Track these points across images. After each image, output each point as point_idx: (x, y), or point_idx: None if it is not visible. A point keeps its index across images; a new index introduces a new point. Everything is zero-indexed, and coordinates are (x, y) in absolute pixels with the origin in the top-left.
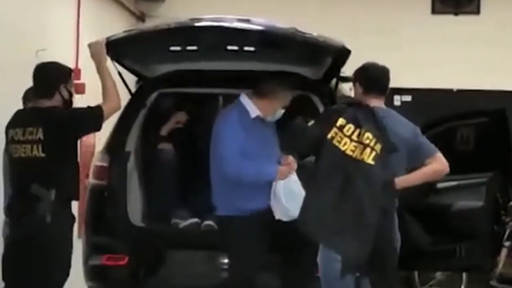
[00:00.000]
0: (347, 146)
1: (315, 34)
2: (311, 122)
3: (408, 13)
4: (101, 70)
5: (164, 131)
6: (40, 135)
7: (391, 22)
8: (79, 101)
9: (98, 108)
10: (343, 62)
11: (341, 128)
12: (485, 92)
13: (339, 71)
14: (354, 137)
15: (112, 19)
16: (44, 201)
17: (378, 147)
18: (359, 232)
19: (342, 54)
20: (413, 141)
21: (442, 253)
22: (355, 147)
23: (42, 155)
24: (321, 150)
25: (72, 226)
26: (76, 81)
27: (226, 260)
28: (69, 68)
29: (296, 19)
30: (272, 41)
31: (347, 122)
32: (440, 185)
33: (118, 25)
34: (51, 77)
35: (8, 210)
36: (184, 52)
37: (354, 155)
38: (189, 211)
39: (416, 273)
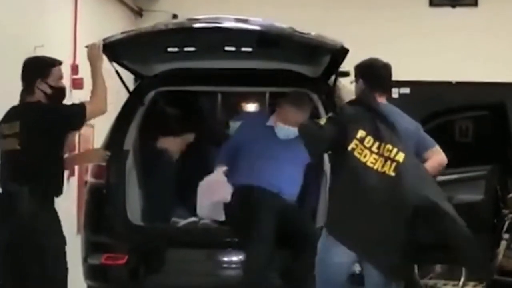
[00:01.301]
0: (367, 158)
1: (313, 33)
2: (322, 120)
3: (406, 6)
4: (94, 72)
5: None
6: (17, 128)
7: (389, 14)
8: (79, 96)
9: (81, 106)
10: (341, 61)
11: (361, 140)
12: (484, 84)
13: (337, 68)
14: (374, 149)
15: (110, 14)
16: (19, 199)
17: (400, 156)
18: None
19: (341, 53)
20: (417, 135)
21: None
22: (375, 159)
23: (18, 148)
24: (342, 161)
25: (53, 222)
26: (74, 76)
27: (225, 258)
28: (48, 62)
29: (294, 10)
30: (269, 42)
31: (367, 135)
32: (440, 178)
33: (116, 20)
34: (26, 73)
35: None
36: (182, 52)
37: (375, 167)
38: (189, 210)
39: (415, 265)
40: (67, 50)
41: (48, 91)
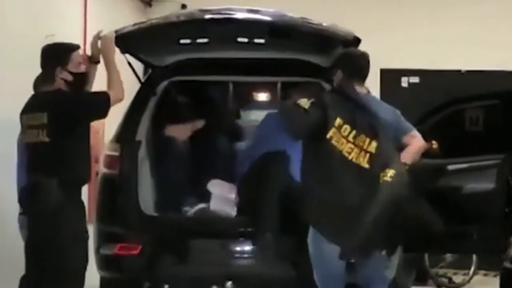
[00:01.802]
0: (343, 147)
1: (325, 24)
2: (306, 104)
3: None
4: (108, 63)
5: (180, 134)
6: (45, 119)
7: (399, 2)
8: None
9: (104, 94)
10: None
11: (339, 128)
12: (493, 72)
13: None
14: (350, 138)
15: (120, 4)
16: (46, 189)
17: (373, 146)
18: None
19: (352, 43)
20: (395, 123)
21: (454, 235)
22: (351, 149)
23: (46, 139)
24: (319, 149)
25: (79, 213)
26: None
27: (238, 248)
28: (66, 48)
29: (301, 6)
30: (282, 33)
31: (344, 123)
32: (451, 167)
33: (125, 10)
34: (45, 62)
35: (19, 200)
36: (194, 44)
37: (350, 157)
38: (201, 199)
39: (426, 255)
40: (78, 39)
41: (69, 78)
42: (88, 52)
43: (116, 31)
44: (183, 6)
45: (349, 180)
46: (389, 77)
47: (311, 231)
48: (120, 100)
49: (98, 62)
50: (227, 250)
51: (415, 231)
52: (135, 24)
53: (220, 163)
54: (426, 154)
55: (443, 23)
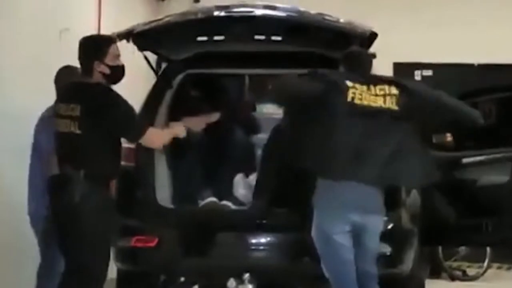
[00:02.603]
0: (368, 100)
1: (342, 20)
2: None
3: None
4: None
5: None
6: (78, 112)
7: None
8: None
9: (144, 124)
10: (371, 45)
11: (354, 87)
12: (507, 66)
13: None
14: (368, 91)
15: None
16: (73, 180)
17: (393, 91)
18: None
19: (370, 38)
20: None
21: (468, 228)
22: (375, 99)
23: (78, 132)
24: (343, 114)
25: (105, 207)
26: None
27: (254, 240)
28: (104, 41)
29: None
30: (299, 30)
31: (354, 82)
32: (465, 160)
33: (138, 4)
34: (83, 55)
35: (47, 188)
36: (211, 41)
37: (378, 105)
38: (216, 192)
39: (440, 248)
40: (92, 33)
41: (107, 71)
42: None
43: (133, 29)
44: (196, 1)
45: (384, 127)
46: (403, 70)
47: (315, 227)
48: (150, 145)
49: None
50: (244, 242)
51: (430, 224)
52: (151, 22)
53: (236, 155)
54: (440, 147)
55: (456, 16)
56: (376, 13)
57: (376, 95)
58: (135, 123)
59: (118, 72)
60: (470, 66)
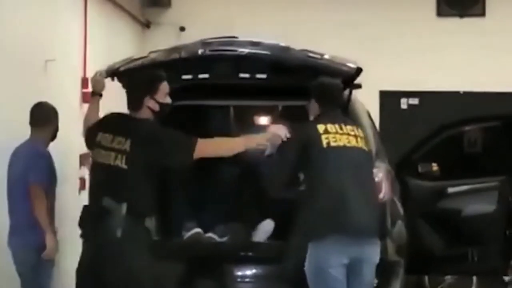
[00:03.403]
0: (343, 140)
1: (327, 56)
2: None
3: (413, 16)
4: None
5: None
6: (127, 146)
7: (397, 25)
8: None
9: (192, 140)
10: (355, 79)
11: (326, 131)
12: (492, 94)
13: (351, 84)
14: (340, 131)
15: (119, 27)
16: (115, 214)
17: (361, 133)
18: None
19: (355, 74)
20: None
21: (454, 257)
22: (348, 139)
23: (124, 167)
24: (322, 160)
25: (146, 243)
26: (84, 90)
27: (240, 273)
28: (157, 77)
29: (301, 24)
30: (284, 68)
31: (325, 123)
32: (451, 190)
33: (124, 33)
34: (134, 90)
35: (80, 221)
36: (196, 79)
37: (352, 145)
38: (199, 224)
39: (426, 277)
40: (78, 63)
41: (156, 108)
42: (88, 76)
43: (117, 67)
44: (182, 29)
45: (359, 163)
46: (389, 98)
47: (310, 259)
48: (216, 155)
49: (101, 95)
50: (229, 275)
51: (416, 253)
52: (136, 59)
53: (221, 187)
54: (426, 176)
55: (442, 44)
56: (359, 40)
57: (348, 134)
58: (182, 144)
59: (166, 110)
60: (455, 94)
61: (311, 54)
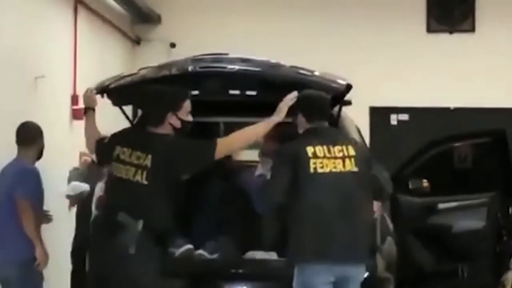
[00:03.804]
0: (329, 165)
1: (317, 73)
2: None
3: (403, 32)
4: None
5: None
6: (148, 162)
7: (387, 41)
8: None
9: (212, 142)
10: (345, 95)
11: (314, 155)
12: (481, 110)
13: (341, 100)
14: (328, 154)
15: (109, 43)
16: (129, 230)
17: (351, 150)
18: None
19: (345, 90)
20: None
21: (444, 273)
22: (334, 163)
23: (145, 182)
24: (308, 185)
25: (158, 260)
26: (74, 107)
27: None
28: (181, 95)
29: (294, 38)
30: (274, 85)
31: (314, 145)
32: (441, 206)
33: (114, 49)
34: (157, 105)
35: (93, 233)
36: None
37: (338, 170)
38: (189, 240)
39: None
40: (68, 80)
41: (178, 125)
42: (78, 92)
43: (107, 84)
44: (172, 45)
45: (349, 187)
46: (379, 114)
47: (299, 274)
48: (235, 150)
49: (94, 110)
50: None
51: (406, 270)
52: (125, 76)
53: (212, 204)
54: (417, 192)
55: (432, 60)
56: (350, 55)
57: (336, 157)
58: (203, 147)
59: (187, 127)
60: (445, 110)
61: (301, 71)
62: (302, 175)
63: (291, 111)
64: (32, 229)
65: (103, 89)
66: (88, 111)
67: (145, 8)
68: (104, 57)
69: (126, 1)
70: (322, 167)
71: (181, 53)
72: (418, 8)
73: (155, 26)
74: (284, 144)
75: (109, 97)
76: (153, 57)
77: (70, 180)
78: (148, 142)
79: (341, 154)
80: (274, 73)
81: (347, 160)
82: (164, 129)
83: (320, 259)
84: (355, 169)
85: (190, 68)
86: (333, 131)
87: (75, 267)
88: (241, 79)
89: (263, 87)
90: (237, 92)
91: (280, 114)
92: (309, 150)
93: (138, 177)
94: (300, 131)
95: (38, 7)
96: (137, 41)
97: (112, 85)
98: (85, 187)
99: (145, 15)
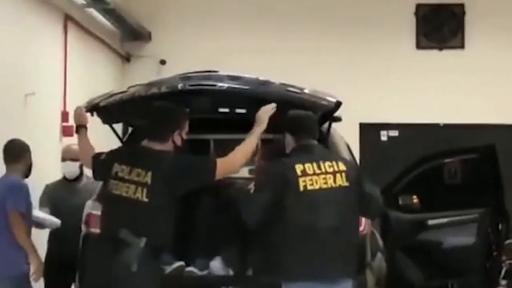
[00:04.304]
0: (319, 182)
1: (306, 90)
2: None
3: (393, 49)
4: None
5: None
6: (148, 179)
7: (377, 58)
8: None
9: (212, 161)
10: (335, 112)
11: (304, 173)
12: (471, 126)
13: (331, 117)
14: (318, 171)
15: (99, 60)
16: (131, 248)
17: (342, 167)
18: None
19: (335, 107)
20: None
21: None
22: (325, 178)
23: (145, 200)
24: (297, 203)
25: (158, 277)
26: (64, 124)
27: None
28: (187, 115)
29: (284, 55)
30: (263, 103)
31: (303, 162)
32: (431, 222)
33: (104, 66)
34: (169, 123)
35: (94, 256)
36: None
37: (329, 186)
38: (180, 257)
39: None
40: (58, 97)
41: (179, 143)
42: (68, 109)
43: (97, 103)
44: (162, 62)
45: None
46: (369, 131)
47: None
48: (234, 171)
49: (86, 127)
50: None
51: (396, 286)
52: (115, 94)
53: (202, 221)
54: (407, 208)
55: (421, 77)
56: (339, 72)
57: (326, 172)
58: (205, 165)
59: (185, 147)
60: (435, 126)
61: (290, 89)
62: (291, 195)
63: (278, 130)
64: (25, 239)
65: (93, 107)
66: (80, 129)
67: (135, 25)
68: (94, 74)
69: (116, 18)
70: (312, 184)
71: (171, 70)
72: (407, 25)
73: (145, 43)
74: (273, 163)
75: (99, 115)
76: (143, 74)
77: (41, 203)
78: (149, 159)
79: (331, 170)
80: (263, 91)
81: (337, 175)
82: (166, 146)
83: (308, 277)
84: (346, 183)
85: (179, 86)
86: (322, 148)
87: None
88: (231, 97)
89: (253, 105)
90: (226, 110)
91: (261, 125)
92: (298, 168)
93: (138, 195)
94: (288, 150)
95: (27, 24)
96: (127, 58)
97: (102, 103)
98: (55, 223)
99: (135, 32)
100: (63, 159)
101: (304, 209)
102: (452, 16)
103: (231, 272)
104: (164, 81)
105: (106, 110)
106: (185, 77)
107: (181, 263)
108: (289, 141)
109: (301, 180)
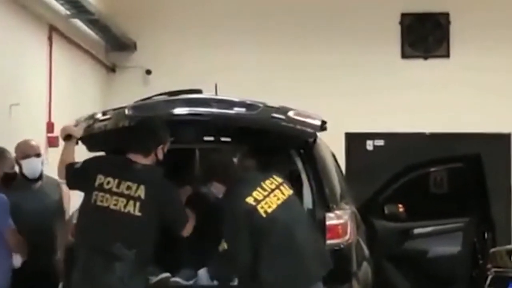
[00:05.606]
0: (273, 202)
1: (291, 113)
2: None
3: (378, 58)
4: None
5: None
6: (141, 193)
7: (362, 67)
8: (53, 155)
9: (187, 216)
10: (321, 130)
11: (256, 201)
12: (457, 135)
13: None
14: (266, 191)
15: (84, 71)
16: (124, 261)
17: (278, 178)
18: None
19: (320, 128)
20: None
21: None
22: (276, 196)
23: (138, 214)
24: (265, 229)
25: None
26: (49, 134)
27: None
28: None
29: (269, 68)
30: (249, 131)
31: (250, 193)
32: (417, 231)
33: (90, 76)
34: (155, 137)
35: (83, 269)
36: None
37: (281, 201)
38: (167, 268)
39: None
40: (43, 108)
41: (161, 157)
42: (53, 119)
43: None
44: (148, 72)
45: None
46: (354, 140)
47: None
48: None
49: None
50: None
51: None
52: (97, 120)
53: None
54: (392, 217)
55: (407, 86)
56: (325, 82)
57: (274, 189)
58: (184, 217)
59: (163, 161)
60: (421, 135)
61: (275, 115)
62: (256, 223)
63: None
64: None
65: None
66: (70, 138)
67: (120, 35)
68: (80, 85)
69: (101, 29)
70: (269, 207)
71: (157, 80)
72: (392, 34)
73: (130, 53)
74: (225, 204)
75: (83, 143)
76: (128, 84)
77: None
78: (139, 173)
79: (275, 185)
80: (248, 119)
81: (282, 187)
82: (149, 160)
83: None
84: (290, 191)
85: (164, 116)
86: (256, 173)
87: None
88: (216, 126)
89: (236, 134)
90: (211, 138)
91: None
92: (250, 200)
93: (130, 208)
94: (220, 195)
95: (12, 35)
96: (112, 69)
97: (85, 134)
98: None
99: (120, 43)
100: (27, 156)
101: (272, 232)
102: (437, 25)
103: (216, 283)
104: (150, 106)
105: (89, 139)
106: (170, 98)
107: (167, 274)
108: (218, 187)
109: (259, 207)
